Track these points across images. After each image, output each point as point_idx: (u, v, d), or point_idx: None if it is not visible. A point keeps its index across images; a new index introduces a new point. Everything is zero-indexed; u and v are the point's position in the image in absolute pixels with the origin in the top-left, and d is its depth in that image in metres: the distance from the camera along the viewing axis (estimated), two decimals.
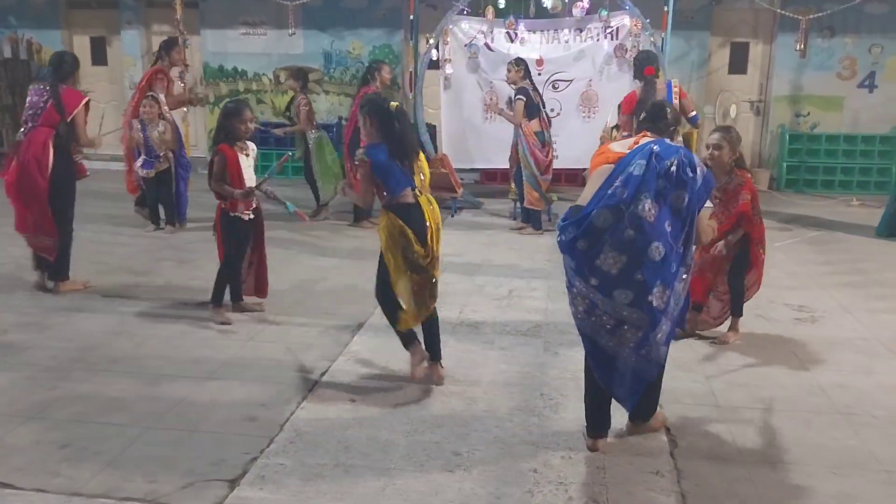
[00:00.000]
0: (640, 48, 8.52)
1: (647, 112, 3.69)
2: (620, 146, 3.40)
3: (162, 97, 7.44)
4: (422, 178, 4.02)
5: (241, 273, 5.20)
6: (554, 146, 8.01)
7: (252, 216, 5.03)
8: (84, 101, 5.48)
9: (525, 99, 7.46)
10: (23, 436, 3.49)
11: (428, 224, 3.87)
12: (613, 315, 3.22)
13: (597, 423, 3.47)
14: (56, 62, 5.49)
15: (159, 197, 7.50)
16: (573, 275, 3.28)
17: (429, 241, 3.86)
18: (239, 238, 5.02)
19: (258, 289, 5.27)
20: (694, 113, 7.13)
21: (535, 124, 7.56)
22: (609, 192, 3.16)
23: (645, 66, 6.75)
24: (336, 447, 3.44)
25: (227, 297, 5.16)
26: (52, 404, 3.81)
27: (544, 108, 7.75)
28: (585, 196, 3.29)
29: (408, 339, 4.13)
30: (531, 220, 7.90)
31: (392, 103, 3.91)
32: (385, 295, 4.07)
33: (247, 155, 4.92)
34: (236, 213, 4.92)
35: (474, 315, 5.27)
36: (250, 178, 4.91)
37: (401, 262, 3.86)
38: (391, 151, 3.85)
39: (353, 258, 6.70)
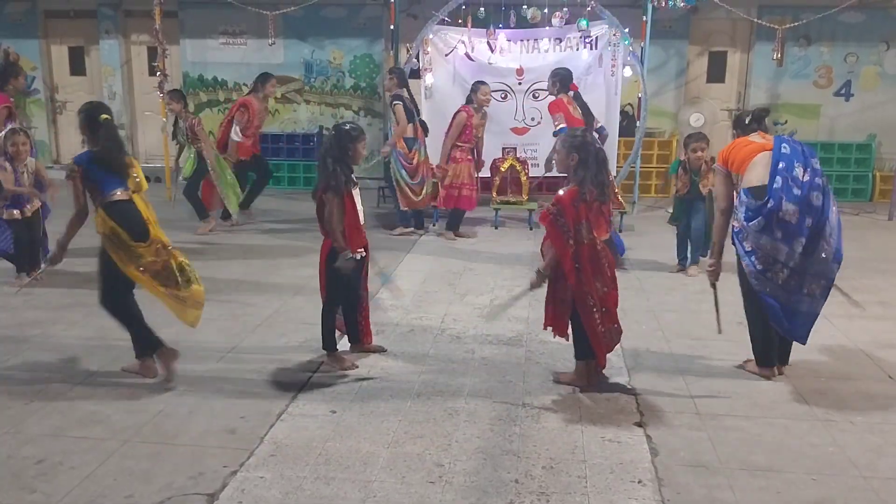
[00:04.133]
0: (620, 58, 8.71)
1: (754, 117, 4.55)
2: (758, 139, 4.35)
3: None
4: (136, 180, 4.27)
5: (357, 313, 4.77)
6: (535, 155, 8.07)
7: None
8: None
9: (402, 103, 7.85)
10: None
11: (146, 219, 4.16)
12: (797, 269, 4.10)
13: (771, 356, 4.39)
14: None
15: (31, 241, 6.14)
16: (777, 242, 4.06)
17: (151, 235, 4.13)
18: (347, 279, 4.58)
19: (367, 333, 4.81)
20: None
21: (409, 129, 7.94)
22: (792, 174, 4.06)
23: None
24: (316, 459, 3.41)
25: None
26: (28, 418, 3.76)
27: (419, 115, 8.12)
28: (759, 176, 4.15)
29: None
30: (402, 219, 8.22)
31: (103, 115, 4.19)
32: (113, 301, 4.23)
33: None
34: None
35: (456, 324, 5.26)
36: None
37: (124, 257, 4.07)
38: (95, 157, 4.15)
39: None
